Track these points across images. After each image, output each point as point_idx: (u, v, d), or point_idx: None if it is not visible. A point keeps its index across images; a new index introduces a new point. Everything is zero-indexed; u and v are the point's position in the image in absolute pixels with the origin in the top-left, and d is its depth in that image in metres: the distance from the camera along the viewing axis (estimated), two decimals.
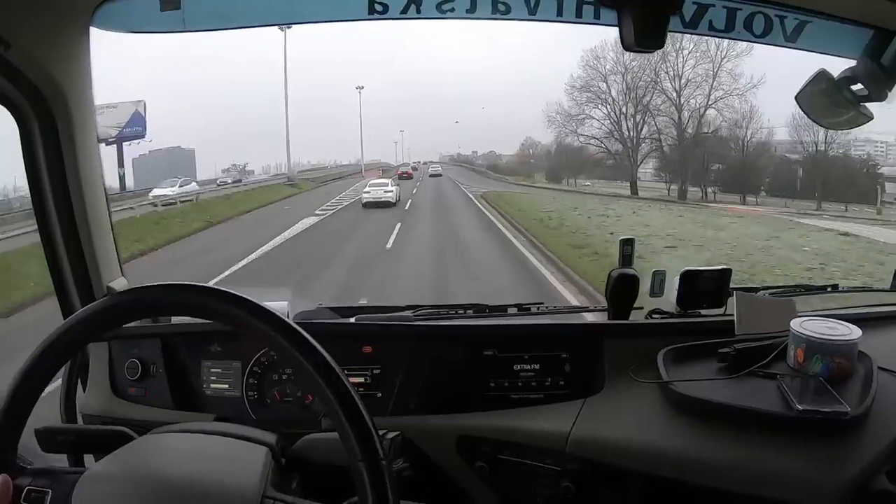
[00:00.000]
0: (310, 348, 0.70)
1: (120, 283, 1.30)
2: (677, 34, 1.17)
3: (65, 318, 0.77)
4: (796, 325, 1.08)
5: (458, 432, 1.16)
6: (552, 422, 1.12)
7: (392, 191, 18.89)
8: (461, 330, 1.30)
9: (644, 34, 1.06)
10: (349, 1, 1.22)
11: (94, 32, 1.15)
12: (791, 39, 1.21)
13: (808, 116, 1.30)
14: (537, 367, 1.21)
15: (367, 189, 19.14)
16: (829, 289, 1.45)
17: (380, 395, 1.24)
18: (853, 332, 1.05)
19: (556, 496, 1.10)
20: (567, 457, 1.08)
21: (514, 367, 1.21)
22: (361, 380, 1.24)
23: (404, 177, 26.49)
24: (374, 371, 1.25)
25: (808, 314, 1.17)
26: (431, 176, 29.42)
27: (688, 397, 1.02)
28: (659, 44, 1.07)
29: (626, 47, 1.09)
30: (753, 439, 0.95)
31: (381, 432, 0.71)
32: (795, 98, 1.27)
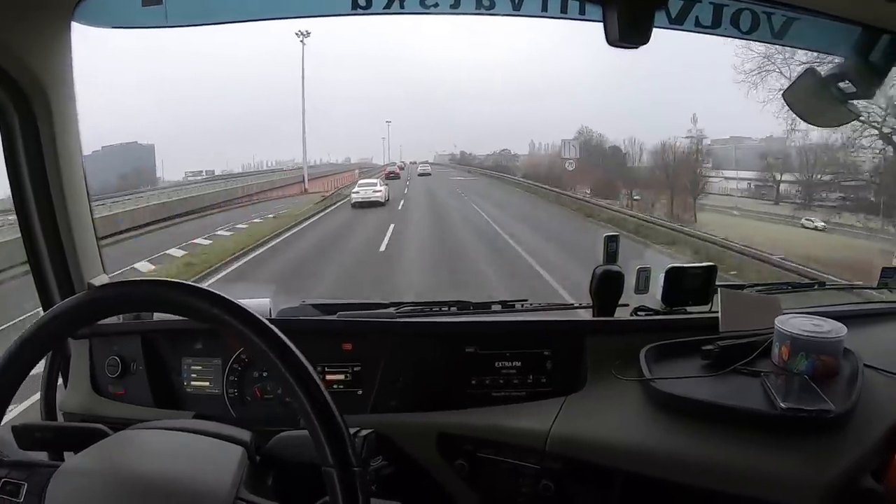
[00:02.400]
0: (281, 346, 0.69)
1: (101, 280, 1.26)
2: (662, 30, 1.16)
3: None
4: (781, 322, 1.07)
5: (438, 430, 1.15)
6: (533, 420, 1.11)
7: (381, 190, 18.73)
8: (442, 327, 1.28)
9: (629, 30, 1.05)
10: None
11: (76, 28, 1.14)
12: (779, 36, 1.21)
13: (794, 113, 1.30)
14: (519, 364, 1.20)
15: (355, 189, 19.03)
16: (815, 286, 1.44)
17: (360, 392, 1.23)
18: (838, 329, 1.05)
19: (536, 494, 1.08)
20: (547, 455, 1.07)
21: (496, 365, 1.20)
22: (342, 377, 1.23)
23: (391, 177, 26.04)
24: (355, 368, 1.24)
25: (794, 311, 1.16)
26: (420, 175, 29.36)
27: (670, 395, 1.01)
28: (643, 40, 1.06)
29: (611, 43, 1.08)
30: (737, 438, 0.94)
31: (353, 430, 0.70)
32: (783, 96, 1.27)
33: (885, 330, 1.26)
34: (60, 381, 1.31)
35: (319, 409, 0.67)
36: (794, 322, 1.07)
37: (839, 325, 1.06)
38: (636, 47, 1.10)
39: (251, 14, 1.24)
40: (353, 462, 0.67)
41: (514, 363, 1.20)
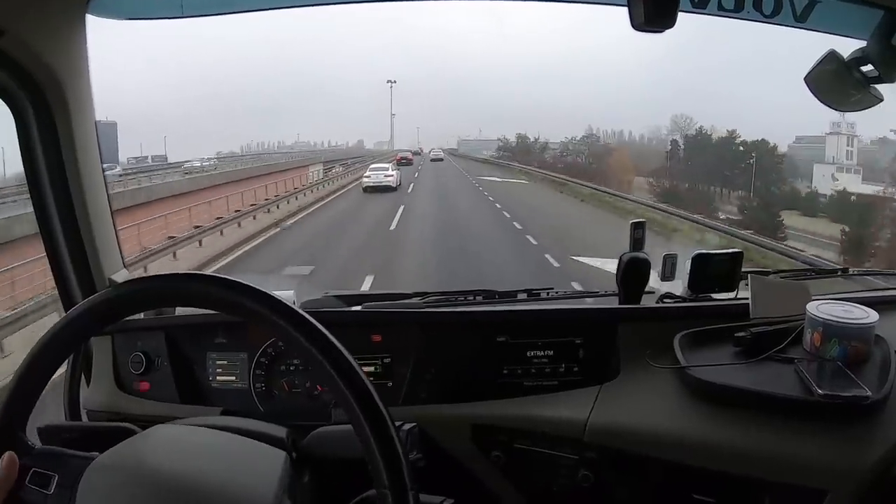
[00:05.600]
0: (321, 337, 0.67)
1: (122, 275, 1.27)
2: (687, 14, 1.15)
3: (66, 311, 0.74)
4: (812, 308, 1.06)
5: (472, 421, 1.14)
6: (569, 409, 1.10)
7: (392, 175, 18.93)
8: (472, 316, 1.27)
9: (655, 13, 1.03)
10: None
11: (91, 20, 1.12)
12: (801, 20, 1.20)
13: (818, 98, 1.28)
14: (551, 353, 1.19)
15: (367, 174, 19.08)
16: (839, 273, 1.44)
17: (390, 384, 1.21)
18: (870, 315, 1.04)
19: (574, 485, 1.07)
20: (585, 445, 1.06)
21: (528, 354, 1.19)
22: (371, 369, 1.22)
23: (403, 163, 26.24)
24: (385, 360, 1.22)
25: (823, 297, 1.15)
26: (433, 160, 29.34)
27: (707, 382, 1.00)
28: (669, 23, 1.04)
29: (636, 27, 1.06)
30: (774, 425, 0.93)
31: (397, 423, 0.68)
32: (805, 79, 1.25)
33: None
34: (83, 378, 1.29)
35: (365, 400, 0.65)
36: (826, 308, 1.06)
37: (870, 311, 1.05)
38: (661, 31, 1.08)
39: (268, 2, 1.22)
40: (400, 452, 0.65)
41: (546, 352, 1.19)
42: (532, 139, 34.13)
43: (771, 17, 1.20)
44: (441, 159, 31.01)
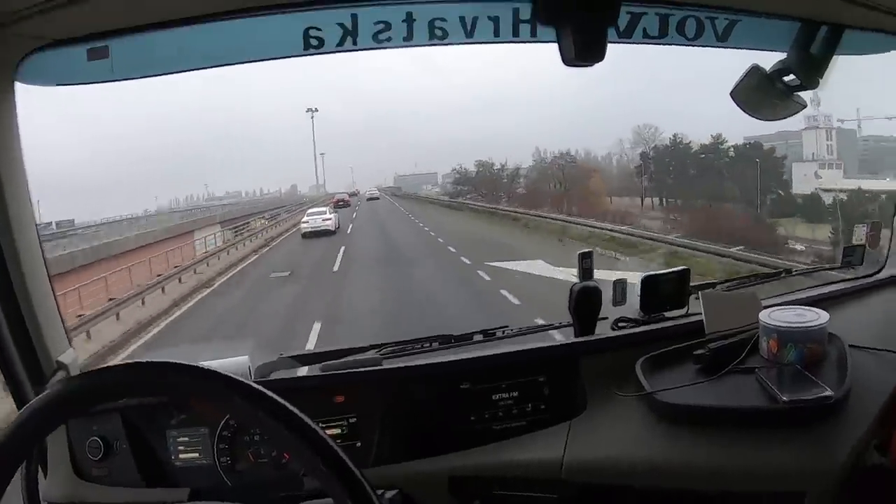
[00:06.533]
0: (283, 411, 0.64)
1: (69, 356, 1.20)
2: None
3: (15, 401, 0.69)
4: (765, 316, 1.10)
5: (447, 474, 1.12)
6: (542, 450, 1.09)
7: (331, 218, 18.66)
8: (434, 368, 1.25)
9: (584, 48, 1.06)
10: (284, 38, 1.18)
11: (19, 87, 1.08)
12: (722, 39, 1.25)
13: (744, 110, 1.34)
14: (516, 394, 1.18)
15: (304, 219, 18.68)
16: (782, 274, 1.48)
17: (359, 444, 1.17)
18: (821, 316, 1.07)
19: None
20: (563, 484, 1.05)
21: (493, 398, 1.18)
22: (338, 430, 1.17)
23: (340, 205, 25.55)
24: (350, 420, 1.18)
25: (773, 304, 1.18)
26: (369, 200, 29.19)
27: (672, 405, 1.01)
28: (599, 57, 1.07)
29: (567, 62, 1.08)
30: (744, 437, 0.95)
31: (378, 492, 0.65)
32: (731, 94, 1.31)
33: (859, 308, 1.30)
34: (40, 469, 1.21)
35: (341, 470, 0.62)
36: (777, 315, 1.09)
37: (821, 312, 1.08)
38: (591, 65, 1.11)
39: (200, 63, 1.19)
40: None
41: (511, 394, 1.18)
42: (498, 165, 29.28)
43: (694, 39, 1.24)
44: (377, 198, 30.90)
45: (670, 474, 0.97)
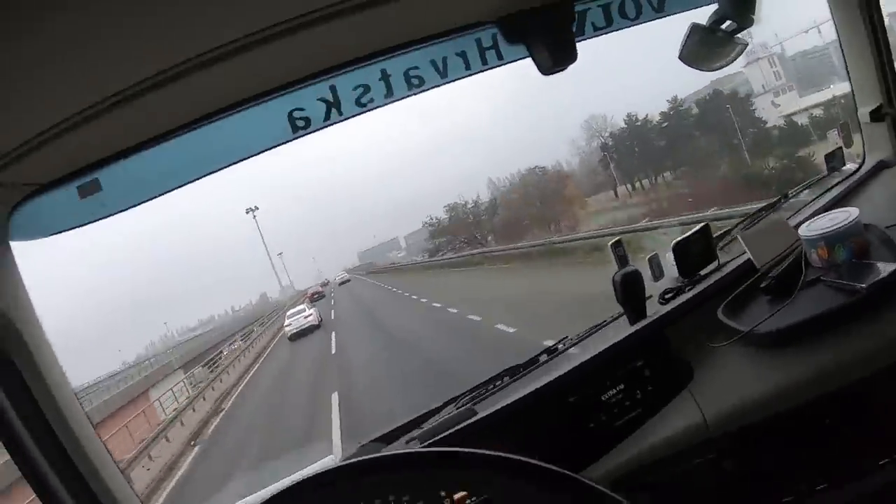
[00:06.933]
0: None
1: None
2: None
3: None
4: (804, 231, 1.17)
5: (607, 481, 1.08)
6: (679, 420, 1.09)
7: (312, 313, 18.47)
8: (535, 396, 1.19)
9: (558, 54, 1.12)
10: (271, 126, 1.16)
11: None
12: (659, 10, 1.37)
13: (696, 68, 1.45)
14: (622, 386, 1.17)
15: (286, 322, 18.37)
16: (782, 200, 1.58)
17: None
18: (850, 212, 1.15)
19: (719, 479, 1.08)
20: (714, 442, 1.06)
21: (602, 399, 1.16)
22: None
23: (316, 297, 25.64)
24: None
25: (798, 221, 1.26)
26: (341, 284, 28.64)
27: (773, 333, 1.04)
28: (573, 58, 1.14)
29: (545, 72, 1.14)
30: (845, 333, 0.99)
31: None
32: (679, 58, 1.42)
33: (866, 199, 1.40)
34: None
35: None
36: (814, 226, 1.17)
37: (849, 209, 1.17)
38: (565, 67, 1.17)
39: (191, 174, 1.15)
40: None
41: (617, 388, 1.17)
42: (470, 203, 25.76)
43: (637, 18, 1.35)
44: (348, 280, 30.53)
45: (799, 389, 1.01)
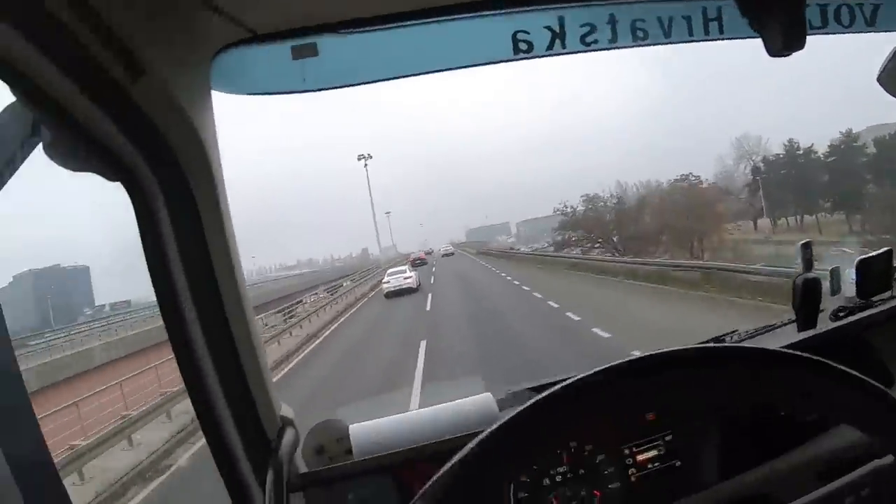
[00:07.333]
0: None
1: (287, 411, 1.02)
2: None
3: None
4: None
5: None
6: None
7: (411, 276, 18.67)
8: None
9: (790, 35, 1.07)
10: (493, 42, 1.10)
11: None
12: (871, 23, 1.33)
13: (893, 94, 1.41)
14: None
15: (385, 279, 18.76)
16: None
17: (678, 463, 1.04)
18: None
19: None
20: None
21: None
22: (654, 453, 1.04)
23: (418, 263, 25.99)
24: (666, 438, 1.05)
25: None
26: (444, 256, 28.15)
27: None
28: (801, 45, 1.08)
29: (774, 54, 1.08)
30: None
31: None
32: (878, 80, 1.37)
33: None
34: None
35: None
36: None
37: None
38: (790, 54, 1.11)
39: (410, 68, 1.06)
40: None
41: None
42: (614, 198, 21.74)
43: (849, 26, 1.31)
44: (452, 254, 30.06)
45: None
